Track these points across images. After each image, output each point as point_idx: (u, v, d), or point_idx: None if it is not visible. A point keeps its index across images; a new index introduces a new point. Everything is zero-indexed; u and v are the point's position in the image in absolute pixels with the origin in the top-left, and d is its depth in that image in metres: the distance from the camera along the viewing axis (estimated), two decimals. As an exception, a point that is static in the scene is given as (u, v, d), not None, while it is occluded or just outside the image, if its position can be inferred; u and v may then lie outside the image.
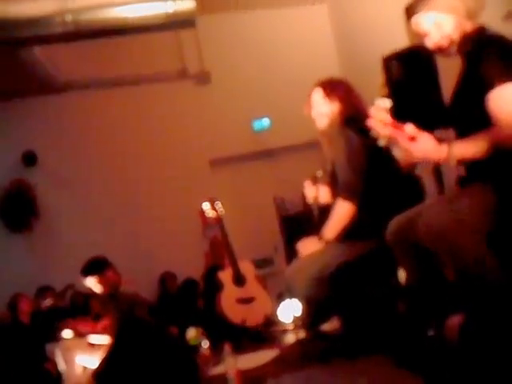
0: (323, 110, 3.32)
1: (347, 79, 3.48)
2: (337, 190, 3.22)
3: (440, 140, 2.30)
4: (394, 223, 2.53)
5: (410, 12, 2.58)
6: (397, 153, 3.35)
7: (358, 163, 3.11)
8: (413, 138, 2.27)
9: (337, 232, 3.19)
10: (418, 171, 4.39)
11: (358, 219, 3.14)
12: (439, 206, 2.27)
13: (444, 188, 4.07)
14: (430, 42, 2.49)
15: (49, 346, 5.61)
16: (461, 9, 2.41)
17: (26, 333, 5.88)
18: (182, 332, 4.96)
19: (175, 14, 5.29)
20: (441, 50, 2.49)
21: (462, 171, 2.52)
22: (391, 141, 2.35)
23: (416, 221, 2.29)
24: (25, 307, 6.12)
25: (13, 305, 6.20)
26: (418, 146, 2.27)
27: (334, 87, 3.33)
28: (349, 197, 3.12)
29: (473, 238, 2.16)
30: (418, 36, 2.58)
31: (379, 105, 2.31)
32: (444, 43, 2.45)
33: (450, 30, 2.42)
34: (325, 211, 3.47)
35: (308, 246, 3.29)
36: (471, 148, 2.26)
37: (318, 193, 3.44)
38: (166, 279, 7.62)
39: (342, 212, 3.15)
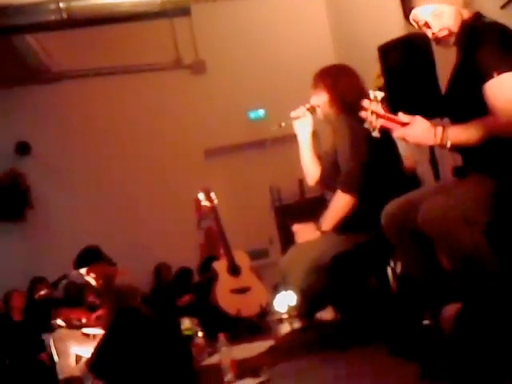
0: (313, 101, 3.37)
1: (343, 63, 3.46)
2: (338, 179, 3.19)
3: (434, 125, 2.29)
4: (391, 206, 2.52)
5: (405, 3, 2.56)
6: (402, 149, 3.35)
7: (361, 154, 3.09)
8: (407, 125, 2.26)
9: (335, 223, 3.18)
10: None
11: (356, 210, 3.13)
12: (439, 196, 2.26)
13: (440, 178, 4.07)
14: (430, 34, 2.47)
15: (45, 336, 5.60)
16: None
17: (16, 327, 5.88)
18: (177, 322, 4.96)
19: (170, 2, 5.26)
20: (441, 42, 2.47)
21: (458, 161, 2.52)
22: (387, 130, 2.36)
23: (414, 206, 2.28)
24: (17, 304, 6.12)
25: (6, 301, 6.20)
26: (413, 130, 2.26)
27: (320, 78, 3.34)
28: (348, 190, 3.10)
29: (471, 228, 2.15)
30: (416, 27, 2.56)
31: (371, 96, 2.30)
32: (444, 34, 2.43)
33: (449, 21, 2.41)
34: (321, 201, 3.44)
35: (304, 234, 3.28)
36: (466, 133, 2.26)
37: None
38: (160, 270, 7.62)
39: (341, 204, 3.14)
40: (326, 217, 3.22)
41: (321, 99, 3.32)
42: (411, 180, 3.66)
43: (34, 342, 5.59)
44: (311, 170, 3.53)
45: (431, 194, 2.38)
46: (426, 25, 2.45)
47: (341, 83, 3.25)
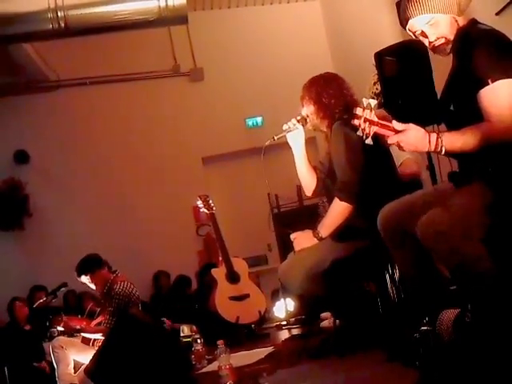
0: (303, 113, 3.40)
1: (330, 72, 3.47)
2: (334, 187, 3.20)
3: (429, 131, 2.30)
4: (387, 209, 2.53)
5: (400, 13, 2.57)
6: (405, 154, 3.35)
7: (357, 162, 3.10)
8: (400, 132, 2.27)
9: (332, 230, 3.19)
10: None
11: (353, 218, 3.13)
12: (437, 209, 2.25)
13: (436, 182, 4.07)
14: (427, 43, 2.49)
15: (45, 344, 5.61)
16: (454, 6, 2.41)
17: (25, 336, 5.90)
18: (176, 329, 4.96)
19: (167, 10, 5.26)
20: (437, 50, 2.48)
21: (454, 166, 2.52)
22: (382, 139, 2.37)
23: (410, 210, 2.28)
24: (22, 314, 6.14)
25: (10, 310, 6.21)
26: (406, 136, 2.27)
27: (307, 89, 3.36)
28: (345, 198, 3.11)
29: (471, 241, 2.15)
30: (413, 37, 2.57)
31: (364, 104, 2.31)
32: (441, 43, 2.44)
33: (445, 29, 2.42)
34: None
35: (302, 241, 3.28)
36: (460, 140, 2.26)
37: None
38: (159, 278, 7.61)
39: (339, 211, 3.15)
40: (323, 224, 3.23)
41: (309, 110, 3.35)
42: (411, 186, 3.66)
43: (36, 351, 5.59)
44: (308, 181, 3.53)
45: (427, 201, 2.38)
46: (423, 34, 2.47)
47: (326, 94, 3.26)
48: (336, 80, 3.36)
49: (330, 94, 3.26)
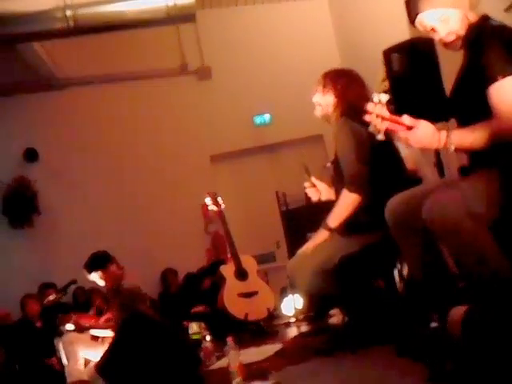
0: (316, 99, 3.37)
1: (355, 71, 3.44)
2: (341, 181, 3.21)
3: (439, 129, 2.30)
4: (394, 201, 2.54)
5: (410, 8, 2.57)
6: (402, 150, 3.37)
7: (363, 155, 3.10)
8: (411, 129, 2.27)
9: (341, 221, 3.19)
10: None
11: (361, 212, 3.14)
12: (444, 189, 2.26)
13: (445, 177, 4.07)
14: (437, 39, 2.49)
15: (55, 341, 5.63)
16: (465, 1, 2.40)
17: (37, 333, 5.92)
18: (185, 326, 4.97)
19: (175, 8, 5.28)
20: (448, 46, 2.48)
21: (464, 161, 2.52)
22: (390, 134, 2.37)
23: (418, 202, 2.28)
24: (34, 310, 6.16)
25: (22, 307, 6.24)
26: (417, 134, 2.27)
27: (332, 80, 3.32)
28: (355, 189, 3.12)
29: (475, 222, 2.15)
30: (422, 32, 2.57)
31: (376, 100, 2.31)
32: (451, 38, 2.44)
33: (456, 25, 2.42)
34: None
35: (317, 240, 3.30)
36: (469, 137, 2.26)
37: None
38: (167, 276, 7.63)
39: (347, 202, 3.15)
40: (332, 215, 3.23)
41: (326, 100, 3.32)
42: (414, 182, 3.67)
43: (46, 348, 5.62)
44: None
45: (436, 188, 2.39)
46: (433, 30, 2.46)
47: (351, 90, 3.24)
48: (360, 79, 3.35)
49: (355, 92, 3.24)
